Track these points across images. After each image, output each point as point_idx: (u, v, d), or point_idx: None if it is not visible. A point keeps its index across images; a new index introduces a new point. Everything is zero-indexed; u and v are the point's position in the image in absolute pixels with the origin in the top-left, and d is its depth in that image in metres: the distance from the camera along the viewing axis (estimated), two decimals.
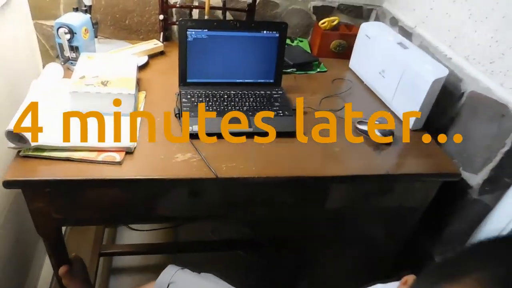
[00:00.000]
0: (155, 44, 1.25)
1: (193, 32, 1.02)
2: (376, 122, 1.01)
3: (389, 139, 1.00)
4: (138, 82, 1.10)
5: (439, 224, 1.11)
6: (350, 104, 1.15)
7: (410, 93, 1.06)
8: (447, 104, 1.09)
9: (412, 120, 1.06)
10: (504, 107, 0.92)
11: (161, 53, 1.26)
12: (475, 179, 1.00)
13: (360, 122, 1.03)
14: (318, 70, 1.31)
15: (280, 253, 1.25)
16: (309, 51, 1.39)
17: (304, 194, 0.97)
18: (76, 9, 1.09)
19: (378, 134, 0.99)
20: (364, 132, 1.02)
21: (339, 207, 1.02)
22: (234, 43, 1.05)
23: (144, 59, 1.19)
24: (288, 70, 1.27)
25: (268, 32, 1.05)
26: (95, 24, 1.20)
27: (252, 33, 1.05)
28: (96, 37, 1.23)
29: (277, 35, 1.06)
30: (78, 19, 1.05)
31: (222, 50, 1.05)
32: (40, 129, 0.83)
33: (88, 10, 1.15)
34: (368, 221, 1.10)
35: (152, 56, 1.24)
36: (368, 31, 1.24)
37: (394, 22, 1.36)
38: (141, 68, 1.17)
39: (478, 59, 1.00)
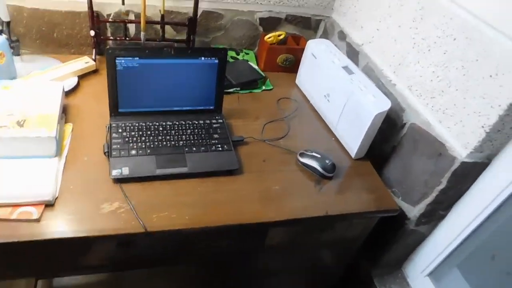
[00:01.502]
0: (86, 62, 1.14)
1: (123, 61, 0.93)
2: (318, 155, 0.99)
3: (331, 173, 0.98)
4: (65, 110, 1.00)
5: (378, 249, 1.12)
6: (294, 130, 1.11)
7: (354, 122, 1.03)
8: (389, 132, 1.08)
9: (354, 150, 1.04)
10: (442, 146, 0.91)
11: (94, 71, 1.16)
12: (412, 211, 1.00)
13: (302, 154, 1.00)
14: (264, 88, 1.25)
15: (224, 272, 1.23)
16: (255, 63, 1.33)
17: (242, 237, 0.94)
18: None
19: (320, 169, 0.97)
20: (307, 166, 0.99)
21: (280, 242, 0.99)
22: (170, 70, 0.97)
23: (73, 81, 1.08)
24: (231, 90, 1.20)
25: (206, 58, 0.98)
26: (15, 42, 1.07)
27: (189, 60, 0.97)
28: (18, 54, 1.10)
29: (216, 61, 0.99)
30: None
31: (156, 78, 0.97)
32: None
33: (5, 28, 1.02)
34: (309, 251, 1.09)
35: (84, 76, 1.13)
36: (314, 49, 1.19)
37: (342, 36, 1.32)
38: (70, 92, 1.06)
39: (420, 91, 0.99)
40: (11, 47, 1.04)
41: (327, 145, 1.09)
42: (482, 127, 0.82)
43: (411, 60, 1.02)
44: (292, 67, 1.32)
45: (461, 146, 0.87)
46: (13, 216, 0.74)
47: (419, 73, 0.99)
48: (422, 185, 0.97)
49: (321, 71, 1.16)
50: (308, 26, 1.41)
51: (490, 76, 0.80)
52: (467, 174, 0.90)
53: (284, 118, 1.15)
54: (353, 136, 1.04)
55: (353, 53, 1.26)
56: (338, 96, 1.08)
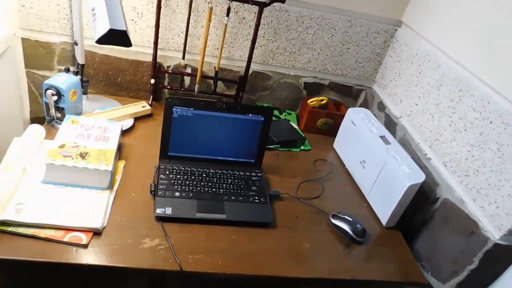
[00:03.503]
0: (143, 106, 1.27)
1: (179, 110, 1.04)
2: (350, 219, 1.03)
3: (361, 238, 1.01)
4: (120, 148, 1.11)
5: None
6: (328, 191, 1.16)
7: (387, 191, 1.08)
8: (422, 205, 1.11)
9: (386, 218, 1.08)
10: (474, 224, 0.94)
11: (149, 115, 1.28)
12: None
13: (334, 216, 1.05)
14: (302, 148, 1.33)
15: None
16: (296, 124, 1.42)
17: None
18: (68, 70, 1.11)
19: (351, 233, 1.01)
20: (337, 228, 1.03)
21: None
22: (219, 122, 1.07)
23: (130, 122, 1.21)
24: (272, 146, 1.29)
25: (253, 115, 1.08)
26: (85, 82, 1.22)
27: (238, 115, 1.07)
28: (85, 93, 1.25)
29: (262, 119, 1.09)
30: (68, 82, 1.07)
31: (206, 128, 1.07)
32: (6, 206, 0.83)
33: (79, 70, 1.18)
34: None
35: (139, 118, 1.25)
36: (353, 117, 1.27)
37: (381, 107, 1.40)
38: (126, 131, 1.18)
39: (455, 168, 1.03)
40: (82, 87, 1.18)
41: (359, 210, 1.13)
42: None
43: (447, 137, 1.07)
44: (331, 131, 1.41)
45: (495, 227, 0.89)
46: (65, 239, 0.82)
47: (454, 150, 1.04)
48: (452, 262, 0.98)
49: (359, 138, 1.23)
50: (350, 94, 1.50)
51: None
52: (501, 257, 0.91)
53: (319, 178, 1.21)
54: (385, 205, 1.08)
55: (391, 124, 1.33)
56: (373, 164, 1.14)
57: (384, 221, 1.09)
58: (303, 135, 1.38)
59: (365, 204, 1.16)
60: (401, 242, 1.07)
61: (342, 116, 1.34)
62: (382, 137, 1.17)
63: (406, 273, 0.98)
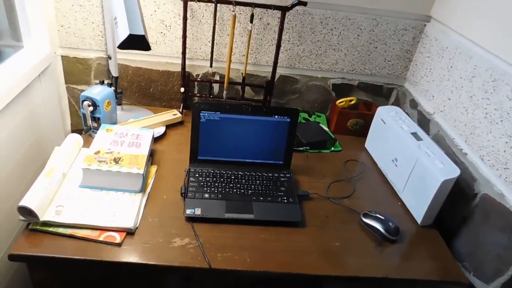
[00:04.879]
0: (174, 114, 1.32)
1: (206, 114, 1.08)
2: (382, 217, 1.01)
3: (394, 236, 0.99)
4: (153, 154, 1.16)
5: None
6: (360, 191, 1.15)
7: (421, 188, 1.05)
8: (459, 203, 1.07)
9: (420, 216, 1.05)
10: None
11: (180, 123, 1.33)
12: None
13: (365, 215, 1.03)
14: (333, 149, 1.33)
15: None
16: (326, 126, 1.42)
17: (298, 287, 0.97)
18: (102, 82, 1.19)
19: (383, 231, 0.99)
20: (369, 227, 1.01)
21: None
22: (246, 125, 1.10)
23: (162, 129, 1.26)
24: (301, 148, 1.30)
25: (279, 117, 1.10)
26: (119, 94, 1.29)
27: (264, 117, 1.10)
28: (120, 104, 1.32)
29: (289, 120, 1.10)
30: (102, 93, 1.14)
31: (233, 131, 1.10)
32: (47, 208, 0.90)
33: (113, 82, 1.25)
34: None
35: (171, 126, 1.31)
36: (383, 115, 1.26)
37: (413, 104, 1.38)
38: (158, 138, 1.24)
39: (492, 161, 0.99)
40: (116, 98, 1.26)
41: (392, 209, 1.11)
42: None
43: (483, 129, 1.04)
44: (362, 131, 1.39)
45: None
46: (100, 238, 0.87)
47: (491, 143, 1.00)
48: (495, 260, 0.94)
49: (390, 136, 1.21)
50: (380, 93, 1.49)
51: None
52: None
53: (350, 178, 1.20)
54: (419, 202, 1.06)
55: (424, 121, 1.30)
56: (405, 161, 1.12)
57: (419, 219, 1.06)
58: (333, 136, 1.38)
59: (399, 203, 1.13)
60: (438, 240, 1.03)
61: (373, 116, 1.32)
62: (414, 134, 1.14)
63: (444, 272, 0.94)
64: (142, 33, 0.97)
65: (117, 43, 0.96)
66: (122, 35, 0.95)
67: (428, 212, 1.04)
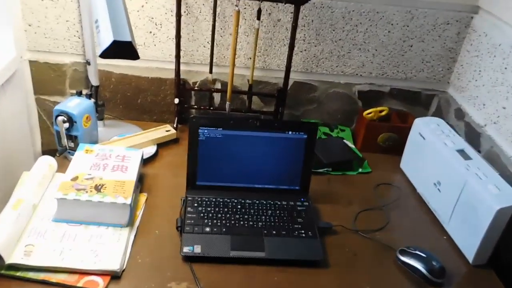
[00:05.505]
0: (167, 130, 1.35)
1: (206, 131, 1.10)
2: (424, 255, 1.02)
3: (439, 279, 1.00)
4: (142, 179, 1.18)
5: None
6: (395, 222, 1.16)
7: (471, 218, 1.06)
8: None
9: (472, 253, 1.06)
10: None
11: (174, 140, 1.36)
12: None
13: (403, 252, 1.04)
14: (360, 170, 1.35)
15: None
16: (351, 142, 1.44)
17: None
18: (80, 93, 1.22)
19: (424, 272, 0.99)
20: (408, 266, 1.02)
21: None
22: (254, 144, 1.12)
23: (153, 149, 1.29)
24: (321, 170, 1.31)
25: (294, 132, 1.12)
26: (101, 106, 1.32)
27: (275, 134, 1.12)
28: (101, 119, 1.35)
29: (305, 136, 1.12)
30: (80, 106, 1.17)
31: (239, 151, 1.12)
32: (14, 248, 0.92)
33: (93, 92, 1.29)
34: None
35: (163, 144, 1.34)
36: (422, 129, 1.27)
37: (460, 115, 1.39)
38: (148, 160, 1.26)
39: None
40: (97, 112, 1.29)
41: (436, 244, 1.12)
42: None
43: None
44: (396, 148, 1.41)
45: None
46: (80, 284, 0.88)
47: None
48: None
49: (430, 154, 1.23)
50: (418, 101, 1.51)
51: None
52: None
53: (382, 206, 1.21)
54: (470, 236, 1.06)
55: (473, 135, 1.31)
56: (450, 185, 1.13)
57: (470, 257, 1.07)
58: (360, 155, 1.39)
59: (444, 237, 1.14)
60: (495, 283, 1.03)
61: (409, 129, 1.34)
62: (460, 151, 1.16)
63: None
64: (129, 39, 0.99)
65: (99, 51, 0.99)
66: (105, 41, 0.97)
67: (481, 248, 1.04)
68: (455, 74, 1.46)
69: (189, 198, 1.11)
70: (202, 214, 1.07)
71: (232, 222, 1.06)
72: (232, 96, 1.37)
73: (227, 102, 1.37)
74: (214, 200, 1.11)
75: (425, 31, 1.40)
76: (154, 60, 1.40)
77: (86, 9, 1.21)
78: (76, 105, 1.17)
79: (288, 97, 1.42)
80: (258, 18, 1.28)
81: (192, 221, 1.04)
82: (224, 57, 1.40)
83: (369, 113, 1.42)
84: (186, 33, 1.36)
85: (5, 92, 1.26)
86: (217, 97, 1.46)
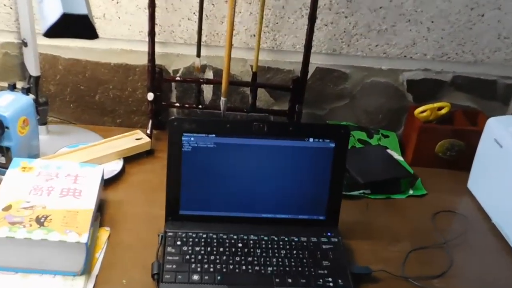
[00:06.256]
0: (137, 139, 1.36)
1: (193, 138, 1.11)
2: None
3: None
4: (101, 207, 1.19)
5: None
6: (461, 264, 1.16)
7: None
8: None
9: None
10: None
11: (148, 152, 1.38)
12: None
13: None
14: (411, 192, 1.36)
15: None
16: (399, 152, 1.44)
17: None
18: (13, 86, 1.23)
19: None
20: None
21: None
22: (260, 156, 1.13)
23: (117, 165, 1.30)
24: (356, 193, 1.32)
25: (317, 140, 1.13)
26: (43, 105, 1.33)
27: (290, 142, 1.13)
28: (44, 123, 1.36)
29: (333, 145, 1.13)
30: (13, 106, 1.18)
31: (239, 166, 1.13)
32: None
33: (32, 86, 1.30)
34: None
35: (132, 158, 1.35)
36: (497, 133, 1.28)
37: None
38: (112, 181, 1.27)
39: None
40: (38, 113, 1.30)
41: None
42: None
43: None
44: (461, 160, 1.42)
45: None
46: None
47: None
48: None
49: (511, 169, 1.23)
50: (492, 94, 1.52)
51: None
52: None
53: (443, 243, 1.22)
54: None
55: None
56: None
57: None
58: (411, 171, 1.40)
59: None
60: None
61: (480, 134, 1.35)
62: None
63: None
64: (85, 11, 1.00)
65: (44, 29, 1.00)
66: (51, 14, 0.98)
67: None
68: None
69: (170, 234, 1.11)
70: (187, 256, 1.07)
71: (231, 267, 1.06)
72: (229, 89, 1.37)
73: (222, 98, 1.36)
74: (204, 236, 1.12)
75: None
76: (118, 39, 1.41)
77: None
78: (7, 104, 1.18)
79: (308, 90, 1.43)
80: None
81: (174, 266, 1.05)
82: (218, 34, 1.41)
83: (423, 111, 1.43)
84: (164, 0, 1.38)
85: None
86: (207, 90, 1.47)
